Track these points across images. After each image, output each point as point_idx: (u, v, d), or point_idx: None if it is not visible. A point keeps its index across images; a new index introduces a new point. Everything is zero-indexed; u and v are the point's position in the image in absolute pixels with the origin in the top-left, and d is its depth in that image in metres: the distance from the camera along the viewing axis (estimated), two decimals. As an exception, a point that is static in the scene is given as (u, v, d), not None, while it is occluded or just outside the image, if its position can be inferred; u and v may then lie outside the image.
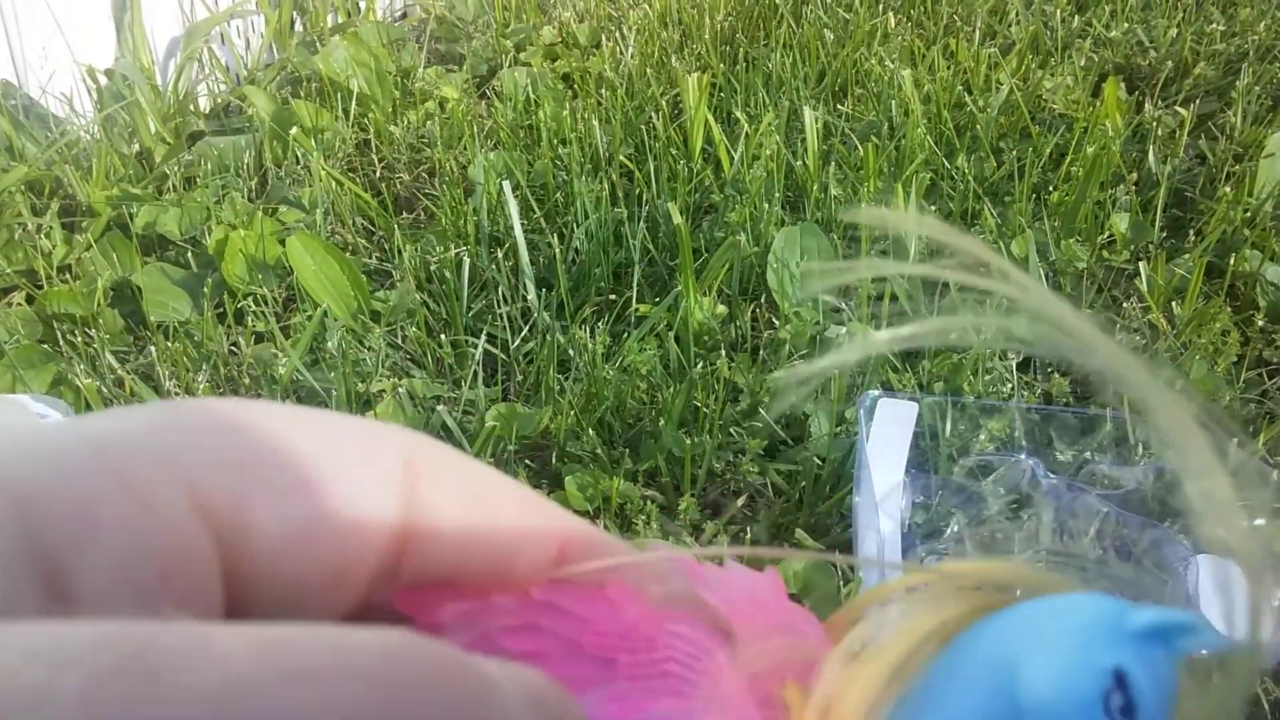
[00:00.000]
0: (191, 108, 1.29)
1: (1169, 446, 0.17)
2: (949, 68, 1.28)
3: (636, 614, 0.19)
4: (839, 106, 1.24)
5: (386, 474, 0.16)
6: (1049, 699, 0.16)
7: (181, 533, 0.14)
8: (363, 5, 1.52)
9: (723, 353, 0.91)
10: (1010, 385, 0.89)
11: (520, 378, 0.92)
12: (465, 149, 1.18)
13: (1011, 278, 0.19)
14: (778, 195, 1.07)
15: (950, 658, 0.18)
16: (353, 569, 0.16)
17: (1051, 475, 0.79)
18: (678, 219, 0.97)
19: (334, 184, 1.10)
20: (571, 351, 0.92)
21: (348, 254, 1.02)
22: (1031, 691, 0.16)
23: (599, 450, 0.82)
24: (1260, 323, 0.95)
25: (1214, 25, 1.34)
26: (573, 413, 0.85)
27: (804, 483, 0.81)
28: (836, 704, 0.18)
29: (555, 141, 1.17)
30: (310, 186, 1.11)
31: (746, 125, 1.14)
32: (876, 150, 1.08)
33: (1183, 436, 0.18)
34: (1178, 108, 1.21)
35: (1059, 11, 1.40)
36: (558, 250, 1.00)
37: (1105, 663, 0.16)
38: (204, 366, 0.91)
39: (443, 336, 0.93)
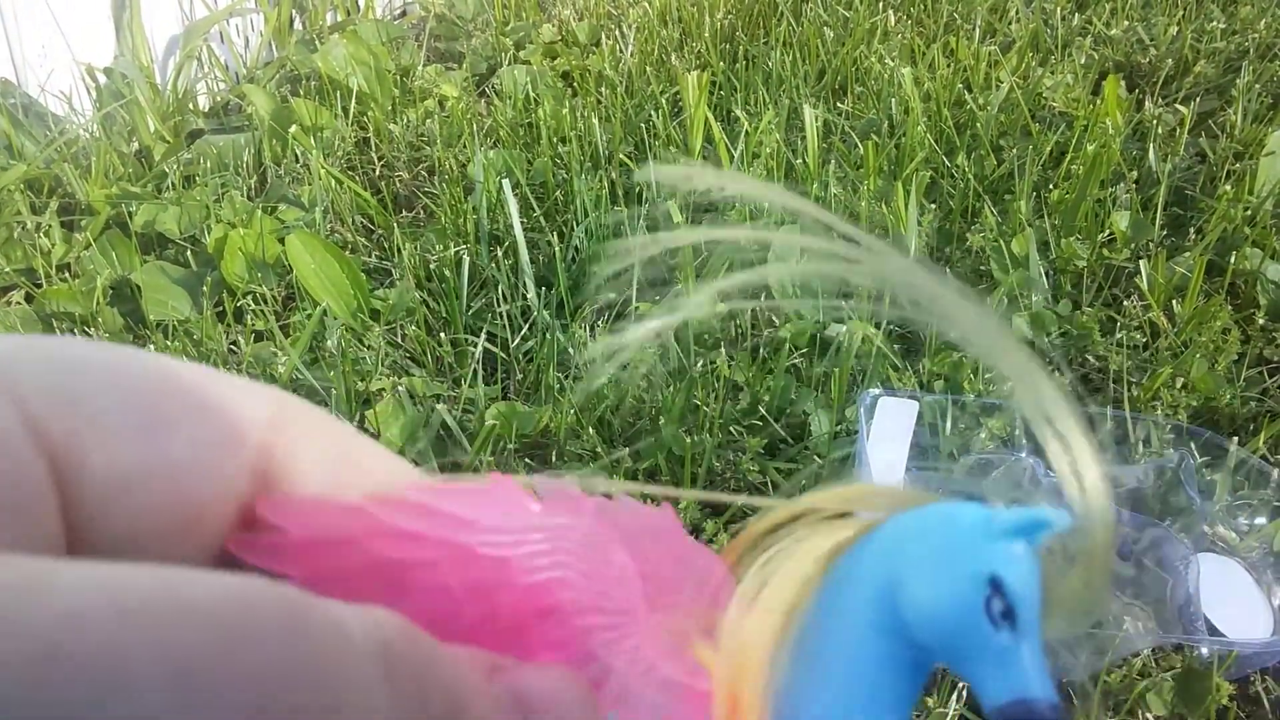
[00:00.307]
0: (191, 106, 1.29)
1: (1009, 378, 0.19)
2: (949, 65, 1.27)
3: (520, 507, 0.19)
4: (839, 104, 1.23)
5: (245, 424, 0.16)
6: (936, 614, 0.17)
7: (15, 456, 0.13)
8: (362, 3, 1.52)
9: (722, 351, 0.91)
10: (1010, 383, 0.89)
11: (520, 376, 0.92)
12: (465, 147, 1.18)
13: (860, 241, 0.20)
14: (778, 193, 1.06)
15: (835, 586, 0.19)
16: (203, 516, 0.15)
17: (1052, 473, 0.79)
18: (677, 217, 0.97)
19: (333, 182, 1.10)
20: (571, 350, 0.92)
21: (347, 252, 1.01)
22: (918, 608, 0.17)
23: (599, 449, 0.82)
24: (1261, 321, 0.95)
25: (1214, 23, 1.34)
26: (573, 411, 0.84)
27: (804, 481, 0.81)
28: (743, 660, 0.18)
29: (555, 140, 1.17)
30: (309, 185, 1.10)
31: (746, 123, 1.13)
32: (876, 148, 1.08)
33: (1021, 369, 0.19)
34: (1178, 105, 1.21)
35: (1059, 9, 1.40)
36: (557, 249, 1.00)
37: (982, 571, 0.17)
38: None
39: (442, 335, 0.93)
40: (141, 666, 0.11)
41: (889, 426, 0.81)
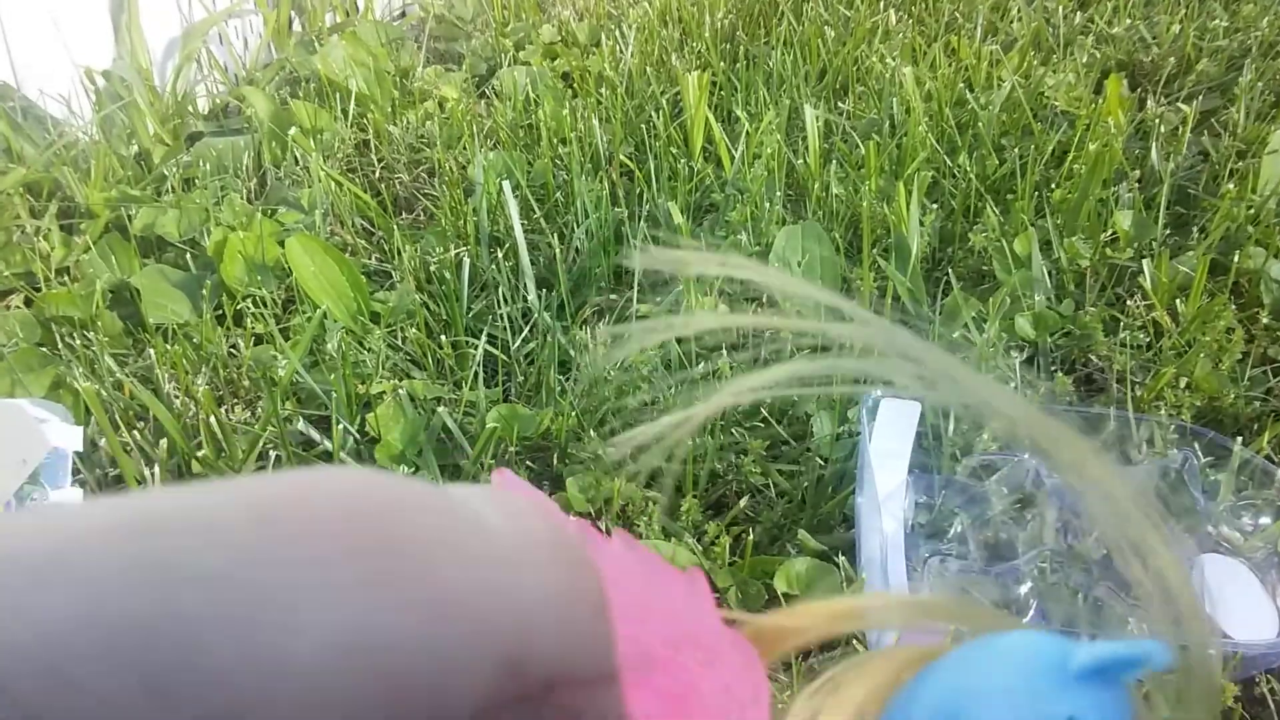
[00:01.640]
0: (190, 108, 1.28)
1: (1073, 481, 0.18)
2: (950, 65, 1.27)
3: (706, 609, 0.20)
4: (840, 104, 1.23)
5: None
6: None
7: None
8: (361, 4, 1.52)
9: (724, 353, 0.90)
10: (1014, 384, 0.89)
11: (521, 379, 0.92)
12: (465, 149, 1.18)
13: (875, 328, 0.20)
14: (779, 194, 1.06)
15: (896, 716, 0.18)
16: None
17: (1055, 475, 0.79)
18: (678, 218, 0.96)
19: (333, 184, 1.10)
20: (572, 352, 0.91)
21: (347, 255, 1.01)
22: None
23: (601, 452, 0.82)
24: (1264, 320, 0.95)
25: (1216, 21, 1.33)
26: (574, 414, 0.84)
27: (806, 483, 0.81)
28: None
29: (555, 141, 1.16)
30: (309, 187, 1.10)
31: (747, 124, 1.13)
32: (878, 148, 1.07)
33: (1088, 472, 0.18)
34: (1180, 104, 1.21)
35: (1061, 8, 1.39)
36: (558, 250, 1.00)
37: (1057, 713, 0.15)
38: (203, 369, 0.90)
39: (443, 337, 0.93)
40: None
41: (892, 428, 0.81)
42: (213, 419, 0.82)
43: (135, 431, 0.84)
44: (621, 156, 1.13)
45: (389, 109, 1.27)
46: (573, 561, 0.16)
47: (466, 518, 0.15)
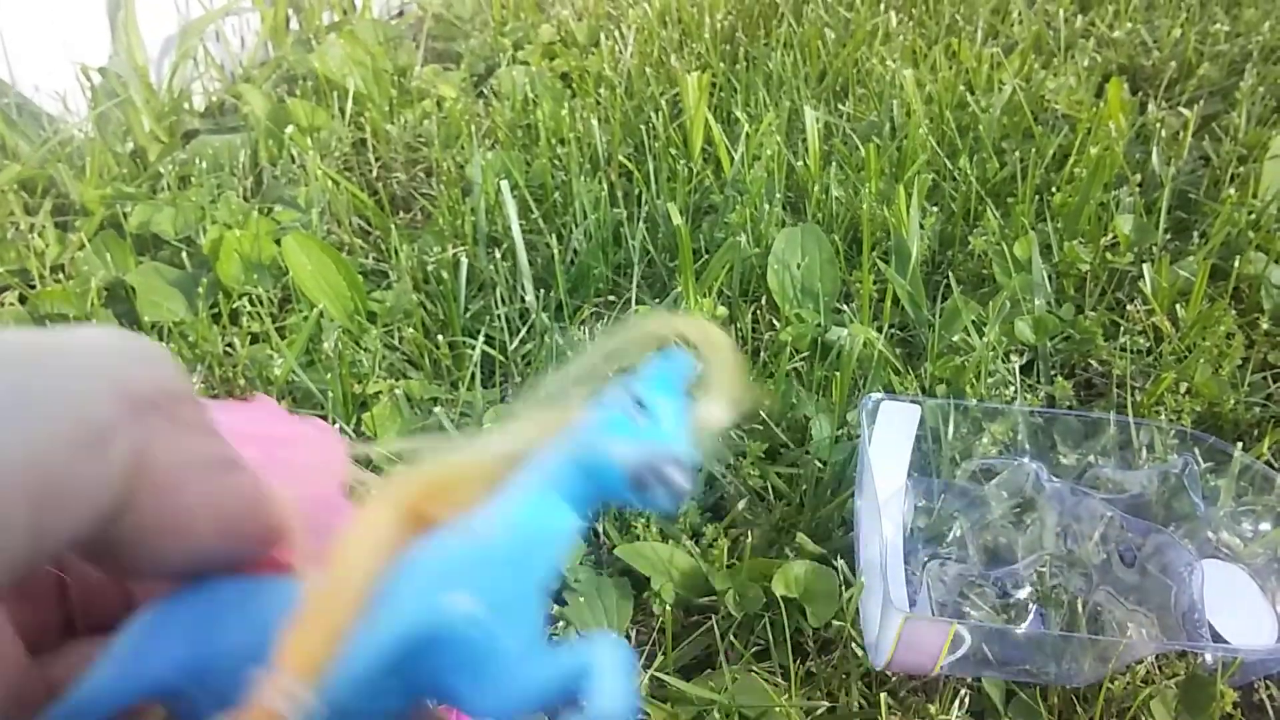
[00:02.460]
0: (186, 106, 1.28)
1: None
2: (951, 67, 1.27)
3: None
4: (840, 106, 1.23)
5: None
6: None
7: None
8: (359, 3, 1.51)
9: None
10: (1013, 388, 0.88)
11: (518, 379, 0.91)
12: (463, 148, 1.17)
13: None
14: (778, 196, 1.06)
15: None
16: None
17: (1055, 479, 0.78)
18: (677, 219, 0.96)
19: (330, 183, 1.09)
20: (570, 353, 0.91)
21: (344, 254, 1.01)
22: (615, 451, 0.22)
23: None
24: (1265, 325, 0.94)
25: (1218, 26, 1.33)
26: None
27: (805, 486, 0.80)
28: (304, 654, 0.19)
29: (553, 141, 1.16)
30: (306, 186, 1.10)
31: (747, 125, 1.13)
32: (878, 150, 1.07)
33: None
34: (1181, 109, 1.21)
35: (1062, 11, 1.39)
36: (556, 251, 0.99)
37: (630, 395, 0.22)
38: (199, 367, 0.90)
39: (440, 337, 0.92)
40: None
41: (891, 431, 0.80)
42: (207, 418, 0.81)
43: (129, 430, 0.83)
44: (620, 157, 1.13)
45: (386, 108, 1.27)
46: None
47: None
